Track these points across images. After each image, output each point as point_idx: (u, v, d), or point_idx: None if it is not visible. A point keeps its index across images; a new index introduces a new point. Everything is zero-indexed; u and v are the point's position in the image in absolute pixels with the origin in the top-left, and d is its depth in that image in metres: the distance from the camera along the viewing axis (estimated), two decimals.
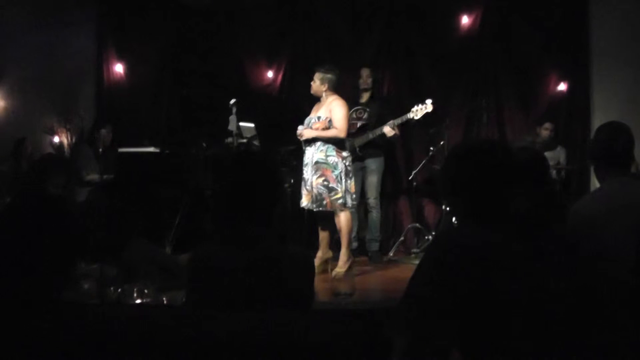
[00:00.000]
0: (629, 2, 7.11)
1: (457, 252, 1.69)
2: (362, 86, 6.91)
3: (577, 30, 7.50)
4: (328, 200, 5.59)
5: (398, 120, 6.41)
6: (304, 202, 5.77)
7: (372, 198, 6.69)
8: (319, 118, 5.68)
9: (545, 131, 7.20)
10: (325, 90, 5.76)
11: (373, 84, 6.96)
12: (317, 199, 5.63)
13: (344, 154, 5.71)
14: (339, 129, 5.61)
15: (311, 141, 5.72)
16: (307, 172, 5.74)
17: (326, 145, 5.65)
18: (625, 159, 3.24)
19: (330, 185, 5.58)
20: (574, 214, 3.14)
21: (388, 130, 6.38)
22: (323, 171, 5.61)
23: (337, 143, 5.67)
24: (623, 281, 2.03)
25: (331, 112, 5.65)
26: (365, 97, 6.91)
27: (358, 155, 6.54)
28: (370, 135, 6.48)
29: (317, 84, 5.79)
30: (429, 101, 6.29)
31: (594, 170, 3.41)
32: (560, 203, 4.19)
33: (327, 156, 5.62)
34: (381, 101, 7.02)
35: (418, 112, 6.33)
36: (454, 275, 1.66)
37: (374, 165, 6.68)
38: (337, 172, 5.61)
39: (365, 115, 6.73)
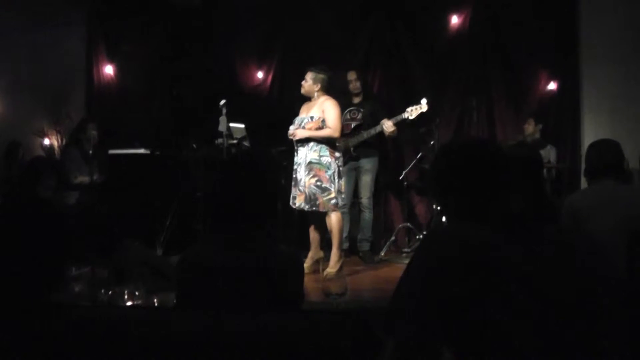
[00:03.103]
0: (619, 1, 7.14)
1: (447, 251, 1.69)
2: (354, 91, 6.93)
3: (567, 29, 7.52)
4: (321, 200, 5.58)
5: (393, 120, 6.43)
6: (297, 202, 5.76)
7: (365, 198, 6.70)
8: (311, 118, 5.67)
9: (528, 126, 7.24)
10: (318, 91, 5.76)
11: (363, 86, 6.97)
12: (310, 199, 5.62)
13: (337, 154, 5.71)
14: (333, 128, 5.61)
15: (304, 141, 5.70)
16: (300, 172, 5.72)
17: (319, 146, 5.64)
18: (615, 172, 3.34)
19: (323, 185, 5.58)
20: (566, 208, 3.21)
21: (389, 125, 6.38)
22: (316, 171, 5.60)
23: (330, 143, 5.67)
24: (615, 277, 2.04)
25: (324, 112, 5.65)
26: (357, 99, 6.92)
27: (353, 156, 6.57)
28: (365, 135, 6.48)
29: (310, 84, 5.78)
30: (424, 101, 6.31)
31: (588, 185, 3.52)
32: (552, 202, 4.22)
33: (320, 156, 5.61)
34: (373, 101, 7.03)
35: (413, 112, 6.35)
36: (443, 275, 1.65)
37: (368, 165, 6.69)
38: (330, 173, 5.60)
39: (359, 116, 6.74)
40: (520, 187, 2.01)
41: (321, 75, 5.75)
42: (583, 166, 3.88)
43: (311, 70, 5.80)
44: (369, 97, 7.07)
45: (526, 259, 1.67)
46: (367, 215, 6.77)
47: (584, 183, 6.80)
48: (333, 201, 5.60)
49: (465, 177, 1.86)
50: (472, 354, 1.64)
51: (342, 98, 6.43)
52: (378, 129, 6.49)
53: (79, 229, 5.23)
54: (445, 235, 1.79)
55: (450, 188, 1.91)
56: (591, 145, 3.58)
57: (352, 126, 6.67)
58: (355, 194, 6.79)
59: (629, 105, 6.89)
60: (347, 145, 6.41)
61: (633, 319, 1.77)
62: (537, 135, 7.20)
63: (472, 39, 7.77)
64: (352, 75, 6.95)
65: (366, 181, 6.68)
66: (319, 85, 5.75)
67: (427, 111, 6.50)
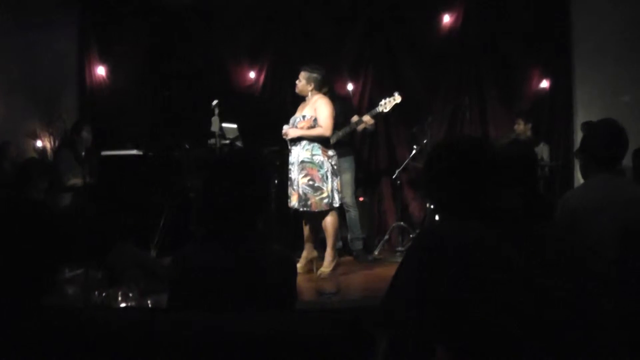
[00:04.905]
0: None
1: (440, 248, 1.69)
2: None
3: (559, 27, 7.55)
4: (313, 200, 5.58)
5: (369, 115, 6.40)
6: (292, 201, 5.76)
7: (348, 197, 6.65)
8: (303, 117, 5.68)
9: (518, 126, 7.25)
10: (311, 90, 5.76)
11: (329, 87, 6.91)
12: (302, 198, 5.62)
13: (330, 152, 5.70)
14: (324, 127, 5.61)
15: (297, 140, 5.70)
16: (294, 172, 5.73)
17: (312, 144, 5.64)
18: (615, 158, 3.25)
19: (315, 184, 5.57)
20: (562, 206, 3.17)
21: (368, 119, 6.38)
22: (309, 170, 5.60)
23: (323, 142, 5.66)
24: (607, 274, 2.04)
25: (316, 111, 5.65)
26: None
27: None
28: (341, 134, 6.44)
29: (303, 84, 5.79)
30: (396, 93, 6.27)
31: (581, 167, 3.43)
32: (545, 199, 4.22)
33: (312, 155, 5.61)
34: (342, 101, 6.95)
35: (387, 104, 6.30)
36: (436, 272, 1.65)
37: (345, 164, 6.62)
38: (322, 171, 5.60)
39: None
40: (513, 184, 2.01)
41: (314, 75, 5.76)
42: (577, 144, 3.74)
43: (304, 70, 5.80)
44: (337, 97, 6.98)
45: (520, 256, 1.67)
46: (353, 213, 6.74)
47: (577, 181, 6.83)
48: (325, 200, 5.59)
49: (458, 175, 1.87)
50: (466, 350, 1.65)
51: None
52: (353, 126, 6.46)
53: (72, 231, 5.21)
54: (438, 233, 1.79)
55: (443, 186, 1.91)
56: (594, 126, 3.36)
57: None
58: None
59: (622, 103, 6.90)
60: None
61: (627, 316, 1.78)
62: (529, 133, 7.21)
63: (465, 37, 7.78)
64: None
65: (346, 180, 6.63)
66: (312, 85, 5.75)
67: (419, 110, 6.48)
